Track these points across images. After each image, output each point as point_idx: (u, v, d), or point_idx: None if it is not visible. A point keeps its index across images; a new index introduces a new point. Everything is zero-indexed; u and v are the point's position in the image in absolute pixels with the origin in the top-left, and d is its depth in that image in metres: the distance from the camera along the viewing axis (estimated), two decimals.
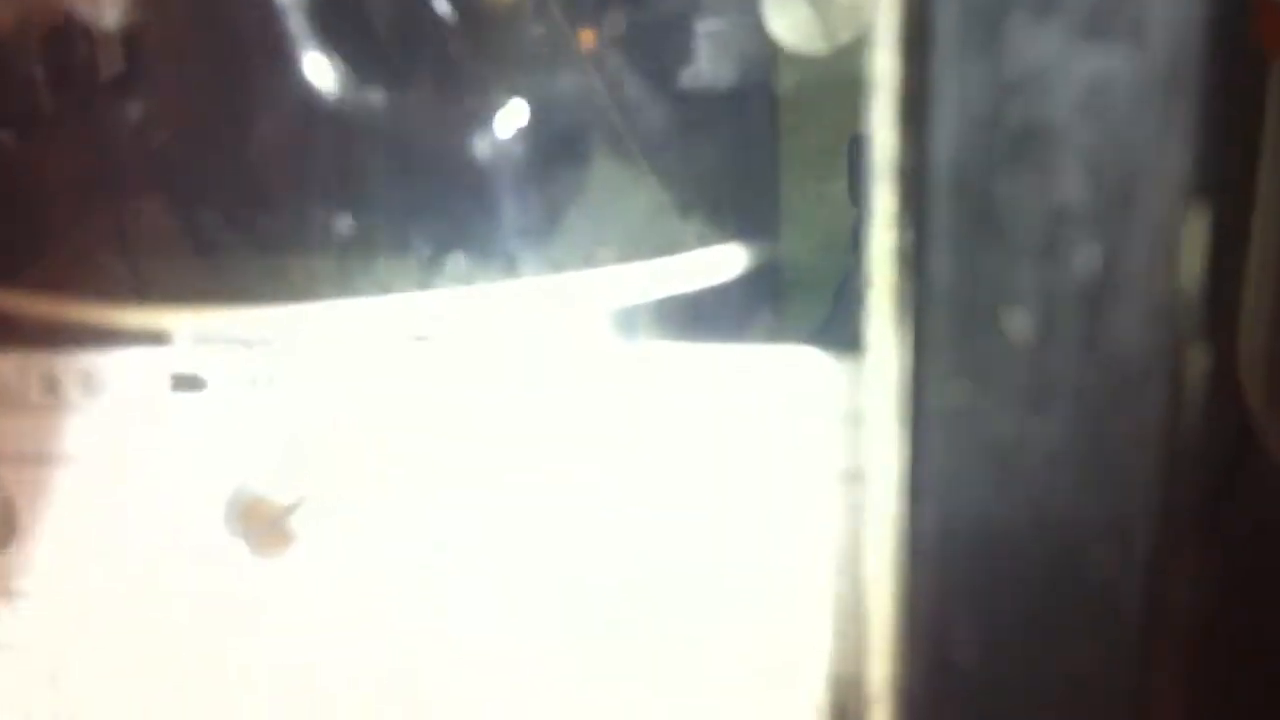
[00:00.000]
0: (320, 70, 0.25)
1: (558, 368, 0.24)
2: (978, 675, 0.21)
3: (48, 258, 0.28)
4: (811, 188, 0.26)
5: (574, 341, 0.24)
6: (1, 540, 0.27)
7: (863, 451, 0.21)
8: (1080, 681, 0.21)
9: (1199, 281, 0.18)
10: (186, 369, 0.25)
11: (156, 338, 0.25)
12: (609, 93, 0.26)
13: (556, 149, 0.26)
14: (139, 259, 0.27)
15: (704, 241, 0.26)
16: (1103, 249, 0.18)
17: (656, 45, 0.27)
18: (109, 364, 0.25)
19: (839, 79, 0.25)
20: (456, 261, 0.26)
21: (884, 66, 0.18)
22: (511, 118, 0.26)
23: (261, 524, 0.26)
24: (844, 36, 0.25)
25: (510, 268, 0.26)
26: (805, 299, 0.26)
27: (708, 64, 0.27)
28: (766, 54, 0.25)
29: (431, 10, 0.25)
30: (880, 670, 0.23)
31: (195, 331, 0.25)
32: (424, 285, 0.26)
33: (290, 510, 0.26)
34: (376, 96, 0.25)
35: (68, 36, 0.26)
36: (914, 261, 0.19)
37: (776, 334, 0.26)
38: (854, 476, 0.24)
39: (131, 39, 0.25)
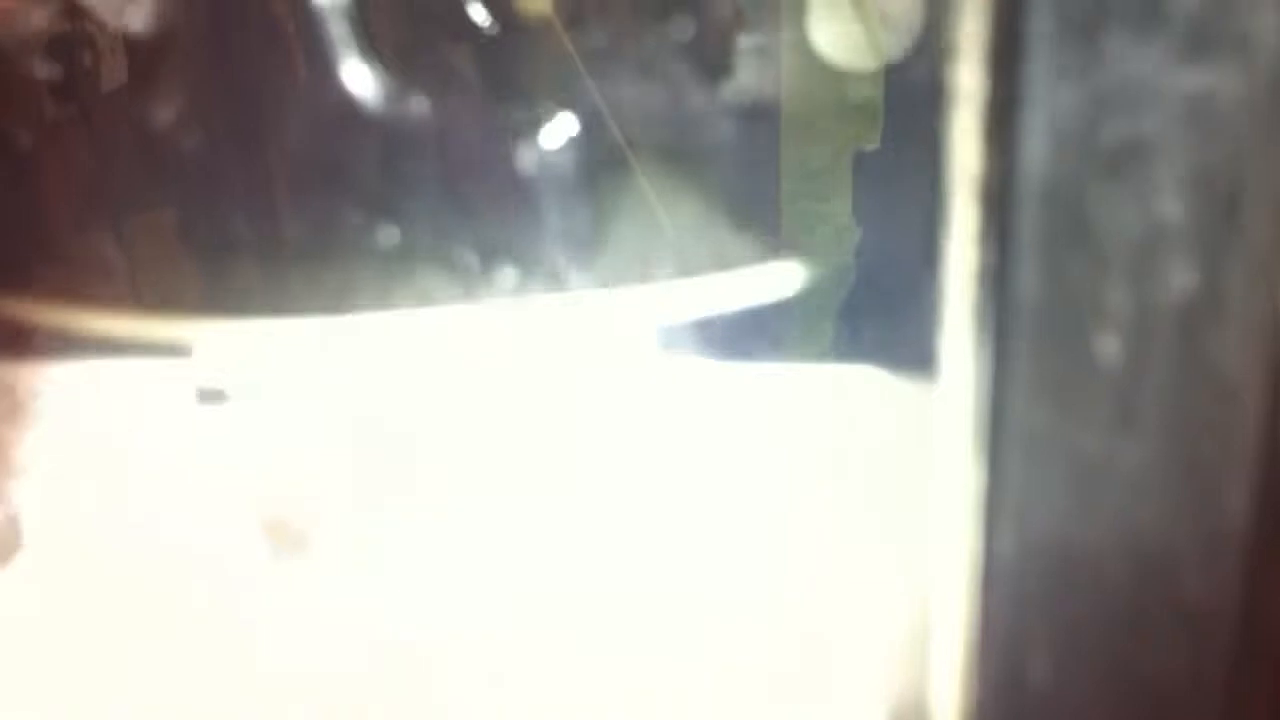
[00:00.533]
0: (361, 78, 0.24)
1: (612, 383, 0.24)
2: (1054, 699, 0.21)
3: (68, 268, 0.27)
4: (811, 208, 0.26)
5: (631, 357, 0.24)
6: (11, 553, 0.27)
7: (933, 472, 0.21)
8: (1166, 706, 0.20)
9: None
10: (211, 381, 0.25)
11: (181, 350, 0.25)
12: (646, 104, 0.26)
13: (601, 163, 0.26)
14: (165, 271, 0.27)
15: (752, 259, 0.25)
16: (1200, 268, 0.17)
17: (701, 59, 0.26)
18: (135, 375, 0.25)
19: (843, 102, 0.25)
20: (500, 275, 0.25)
21: (968, 80, 0.18)
22: (555, 130, 0.25)
23: (283, 531, 0.26)
24: (891, 52, 0.24)
25: (551, 282, 0.25)
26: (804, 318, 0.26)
27: (753, 78, 0.26)
28: (829, 70, 0.25)
29: (471, 22, 0.24)
30: (951, 694, 0.22)
31: (221, 344, 0.25)
32: (465, 299, 0.25)
33: (312, 522, 0.25)
34: (419, 107, 0.24)
35: (85, 46, 0.25)
36: (997, 279, 0.18)
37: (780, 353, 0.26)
38: (919, 496, 0.23)
39: (169, 47, 0.25)
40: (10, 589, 0.26)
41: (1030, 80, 0.17)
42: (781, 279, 0.24)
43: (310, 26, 0.23)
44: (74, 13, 0.25)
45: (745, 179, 0.25)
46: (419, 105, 0.24)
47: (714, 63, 0.26)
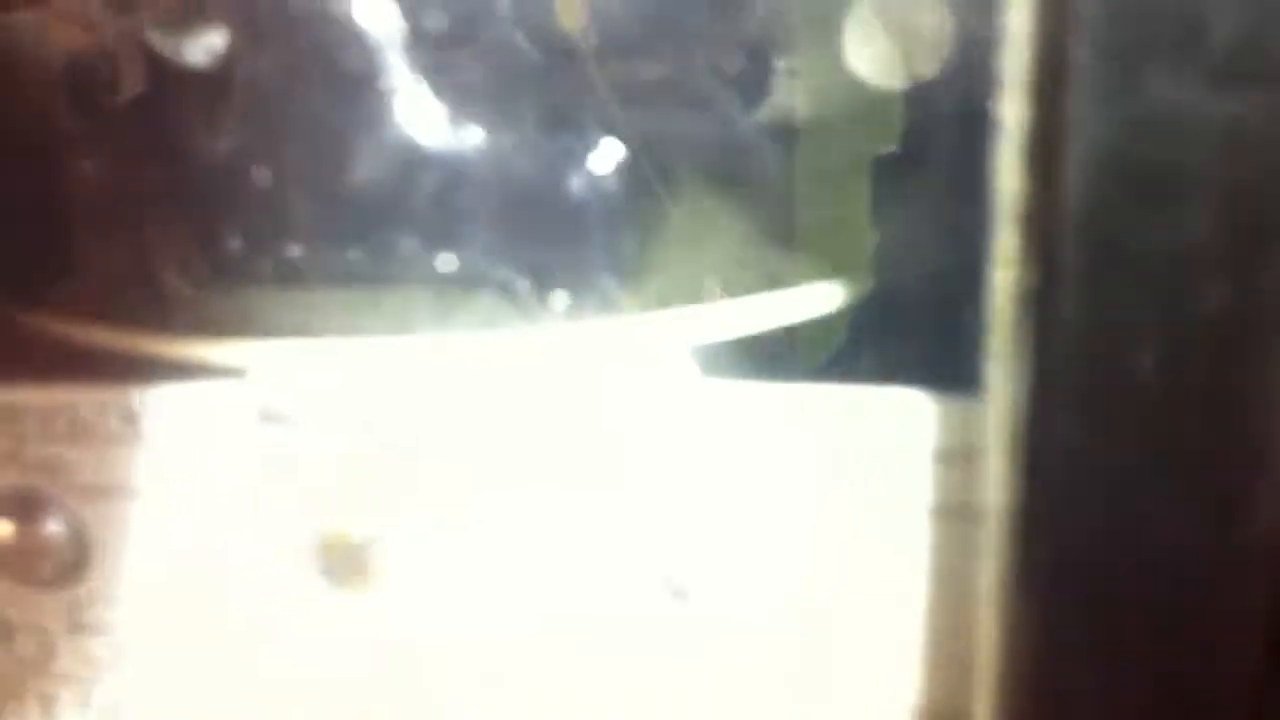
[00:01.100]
0: (415, 107, 0.25)
1: (651, 405, 0.24)
2: (1087, 708, 0.21)
3: (128, 290, 0.28)
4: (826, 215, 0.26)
5: (669, 381, 0.25)
6: (76, 573, 0.27)
7: (975, 490, 0.21)
8: (1194, 712, 0.21)
9: None
10: (270, 403, 0.25)
11: (240, 372, 0.26)
12: (689, 128, 0.26)
13: (639, 185, 0.26)
14: (224, 292, 0.27)
15: (791, 279, 0.26)
16: (1233, 289, 0.18)
17: (738, 79, 0.27)
18: (192, 397, 0.26)
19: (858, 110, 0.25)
20: (548, 300, 0.26)
21: (1011, 109, 0.18)
22: (599, 156, 0.26)
23: (342, 558, 0.26)
24: (924, 71, 0.25)
25: (602, 305, 0.26)
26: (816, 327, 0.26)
27: (793, 98, 0.27)
28: (853, 88, 0.25)
29: (515, 51, 0.25)
30: (985, 707, 0.23)
31: (279, 366, 0.25)
32: (512, 324, 0.26)
33: (370, 544, 0.26)
34: (468, 136, 0.25)
35: (157, 72, 0.26)
36: (1038, 302, 0.19)
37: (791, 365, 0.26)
38: (957, 512, 0.24)
39: (223, 75, 0.25)
40: (73, 607, 0.27)
41: (1071, 110, 0.17)
42: (817, 298, 0.25)
43: (362, 57, 0.24)
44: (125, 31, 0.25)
45: (773, 196, 0.26)
46: (469, 135, 0.25)
47: (747, 82, 0.26)
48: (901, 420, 0.23)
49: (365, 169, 0.24)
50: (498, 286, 0.25)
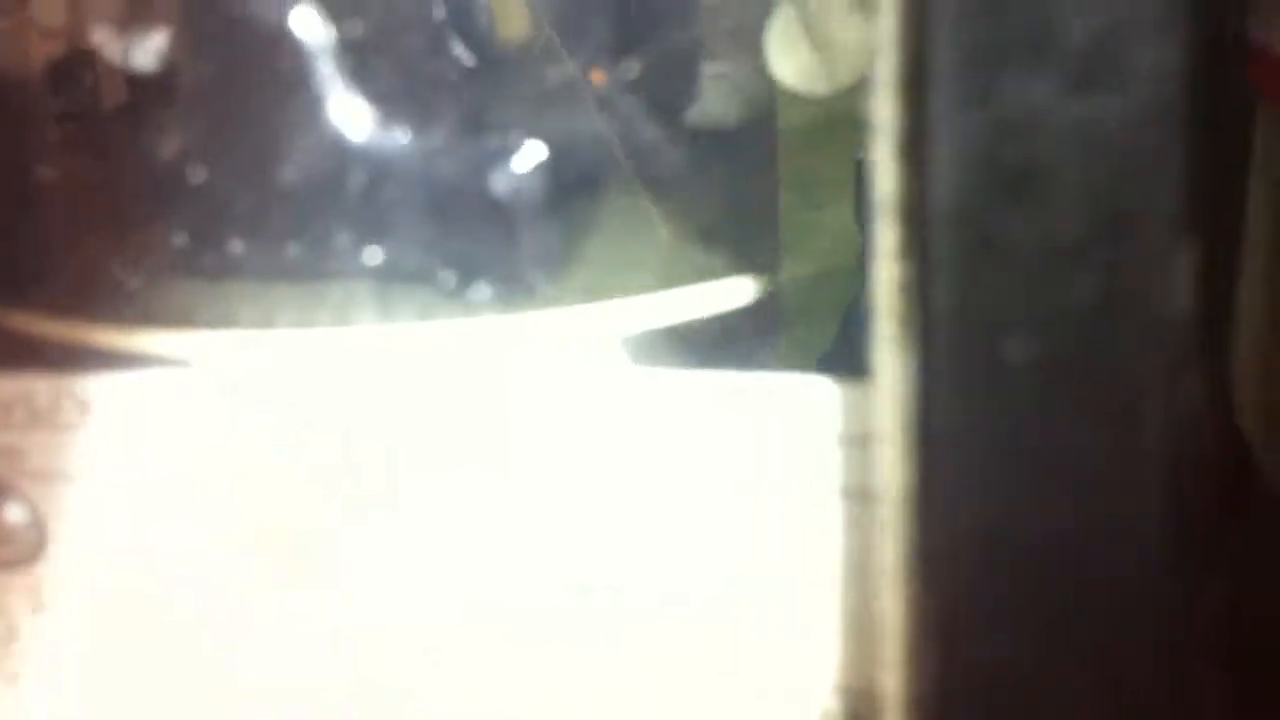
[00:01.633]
0: (345, 109, 0.26)
1: (572, 395, 0.25)
2: (986, 683, 0.22)
3: (77, 281, 0.29)
4: (810, 216, 0.27)
5: (587, 371, 0.26)
6: (35, 556, 0.28)
7: (872, 471, 0.22)
8: (1087, 685, 0.22)
9: (1192, 309, 0.19)
10: (213, 393, 0.26)
11: (185, 362, 0.27)
12: (617, 130, 0.28)
13: (566, 186, 0.27)
14: (170, 285, 0.28)
15: (711, 274, 0.27)
16: (1095, 276, 0.19)
17: (664, 86, 0.28)
18: (141, 387, 0.27)
19: (840, 113, 0.26)
20: (476, 293, 0.27)
21: (884, 110, 0.19)
22: (524, 155, 0.27)
23: (286, 549, 0.27)
24: (845, 79, 0.26)
25: (524, 300, 0.27)
26: (807, 326, 0.27)
27: (713, 102, 0.28)
28: (770, 93, 0.26)
29: (451, 55, 0.26)
30: (892, 682, 0.24)
31: (223, 356, 0.27)
32: (442, 316, 0.27)
33: (309, 533, 0.27)
34: (401, 136, 0.26)
35: (93, 73, 0.27)
36: (917, 292, 0.20)
37: (780, 361, 0.27)
38: (862, 494, 0.25)
39: (163, 77, 0.27)
40: (33, 589, 0.28)
41: (937, 111, 0.18)
42: (732, 292, 0.26)
43: (299, 62, 0.25)
44: (76, 36, 0.26)
45: (693, 196, 0.27)
46: (401, 135, 0.26)
47: (675, 86, 0.28)
48: (809, 405, 0.24)
49: (297, 168, 0.25)
50: (426, 280, 0.26)
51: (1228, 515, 0.29)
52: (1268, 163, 0.26)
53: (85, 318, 0.27)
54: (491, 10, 0.27)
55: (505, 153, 0.26)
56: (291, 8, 0.25)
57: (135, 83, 0.26)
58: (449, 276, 0.26)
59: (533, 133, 0.26)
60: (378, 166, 0.26)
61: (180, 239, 0.26)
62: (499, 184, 0.26)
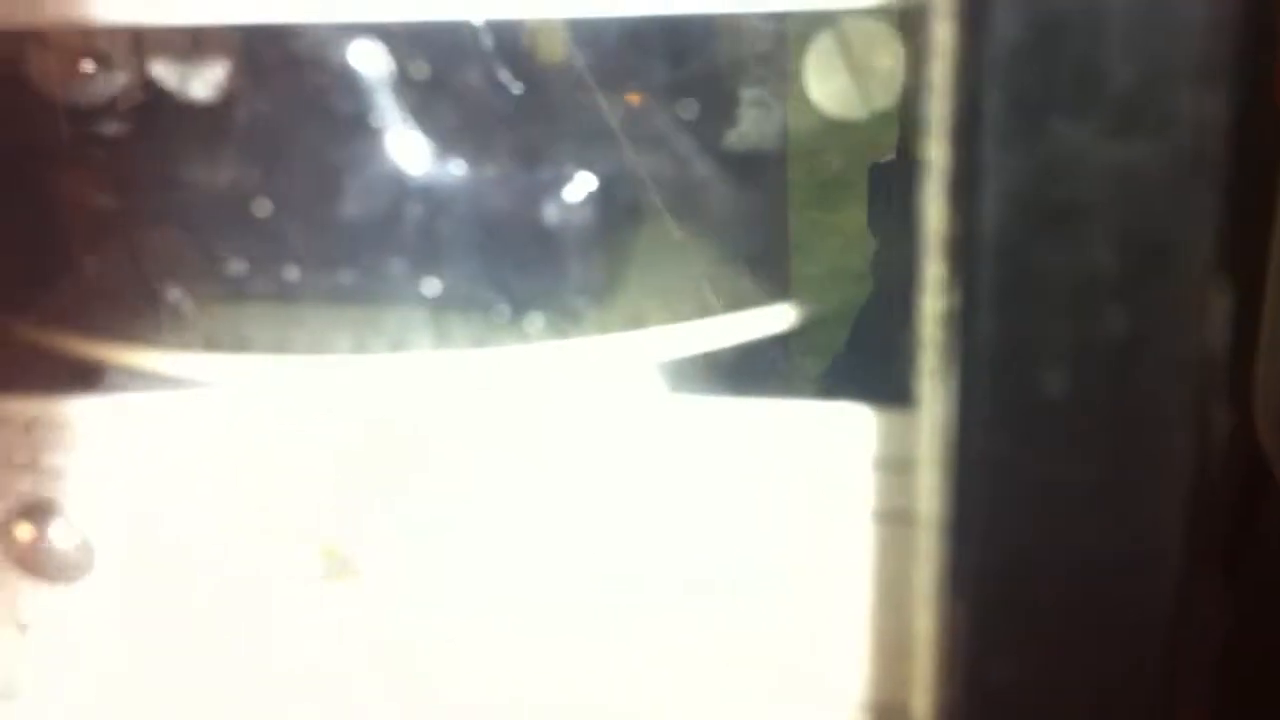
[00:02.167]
0: (400, 142, 0.27)
1: (612, 419, 0.26)
2: (1014, 701, 0.23)
3: (129, 307, 0.30)
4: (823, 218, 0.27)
5: (628, 396, 0.26)
6: (82, 571, 0.29)
7: (910, 496, 0.23)
8: (1108, 706, 0.22)
9: (1221, 346, 0.20)
10: (256, 413, 0.27)
11: (233, 385, 0.27)
12: (655, 157, 0.28)
13: (609, 214, 0.28)
14: (221, 309, 0.29)
15: (745, 301, 0.28)
16: (1131, 312, 0.20)
17: (701, 110, 0.29)
18: (186, 409, 0.27)
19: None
20: (521, 320, 0.27)
21: (936, 152, 0.20)
22: (567, 183, 0.27)
23: (328, 555, 0.28)
24: (880, 104, 0.27)
25: (566, 326, 0.28)
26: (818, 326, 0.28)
27: (753, 128, 0.29)
28: (810, 120, 0.27)
29: (499, 87, 0.27)
30: (922, 699, 0.24)
31: (273, 377, 0.27)
32: (483, 342, 0.27)
33: (352, 548, 0.27)
34: (451, 168, 0.27)
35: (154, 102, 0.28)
36: (960, 324, 0.21)
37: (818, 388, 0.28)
38: (896, 517, 0.25)
39: (220, 110, 0.27)
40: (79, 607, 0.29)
41: (985, 153, 0.19)
42: (781, 316, 0.27)
43: (354, 96, 0.26)
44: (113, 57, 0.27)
45: (737, 223, 0.28)
46: (451, 166, 0.26)
47: (715, 113, 0.28)
48: (846, 431, 0.25)
49: (356, 200, 0.26)
50: (473, 307, 0.26)
51: (1245, 540, 0.30)
52: None
53: (138, 340, 0.28)
54: (535, 38, 0.27)
55: (549, 183, 0.27)
56: (348, 44, 0.25)
57: (189, 110, 0.26)
58: (494, 303, 0.27)
59: (574, 162, 0.27)
60: (429, 199, 0.26)
61: (238, 266, 0.27)
62: (544, 213, 0.27)
